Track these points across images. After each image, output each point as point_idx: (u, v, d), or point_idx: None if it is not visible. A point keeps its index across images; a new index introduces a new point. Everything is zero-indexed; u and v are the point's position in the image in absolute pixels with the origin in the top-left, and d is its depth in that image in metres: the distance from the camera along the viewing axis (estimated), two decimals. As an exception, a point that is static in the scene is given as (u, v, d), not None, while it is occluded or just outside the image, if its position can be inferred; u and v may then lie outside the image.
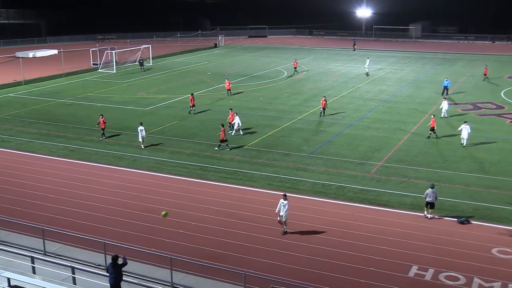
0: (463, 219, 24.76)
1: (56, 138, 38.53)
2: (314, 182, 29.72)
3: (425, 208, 25.35)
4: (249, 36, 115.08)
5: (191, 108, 45.47)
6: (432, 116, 38.39)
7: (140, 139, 36.19)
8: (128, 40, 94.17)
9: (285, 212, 23.40)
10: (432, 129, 37.85)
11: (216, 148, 35.58)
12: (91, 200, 27.23)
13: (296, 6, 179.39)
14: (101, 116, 38.45)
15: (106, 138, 38.15)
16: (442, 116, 43.11)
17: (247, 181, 29.87)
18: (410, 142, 37.14)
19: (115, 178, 30.46)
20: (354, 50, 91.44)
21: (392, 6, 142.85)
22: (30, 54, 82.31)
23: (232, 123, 39.19)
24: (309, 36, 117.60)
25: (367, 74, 64.76)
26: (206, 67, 72.28)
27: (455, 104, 49.10)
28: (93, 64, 72.77)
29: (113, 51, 70.69)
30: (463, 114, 44.89)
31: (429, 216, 25.17)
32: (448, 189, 28.43)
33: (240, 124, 38.92)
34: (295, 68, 66.58)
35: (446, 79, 54.22)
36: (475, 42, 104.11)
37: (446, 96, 48.32)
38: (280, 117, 44.11)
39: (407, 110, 47.08)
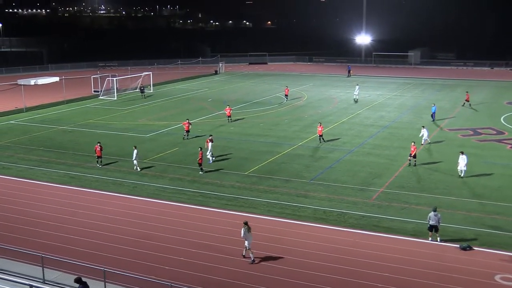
0: (465, 245, 24.61)
1: (57, 165, 38.55)
2: (315, 209, 29.62)
3: (430, 233, 25.21)
4: (250, 63, 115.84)
5: (185, 134, 45.72)
6: (412, 143, 38.09)
7: (135, 162, 36.90)
8: (129, 68, 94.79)
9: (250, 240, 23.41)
10: (413, 156, 37.44)
11: (200, 173, 36.03)
12: (92, 227, 27.11)
13: (296, 33, 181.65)
14: (98, 144, 38.41)
15: (104, 165, 38.16)
16: (422, 143, 42.96)
17: (247, 208, 29.78)
18: (411, 168, 37.11)
19: (116, 205, 30.38)
20: (349, 76, 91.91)
21: (391, 33, 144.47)
22: (32, 82, 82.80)
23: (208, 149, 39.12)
24: (309, 63, 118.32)
25: (355, 101, 64.77)
26: (206, 94, 72.65)
27: (456, 130, 49.22)
28: (94, 91, 73.17)
29: (114, 78, 71.13)
30: (464, 141, 44.93)
31: (438, 239, 25.05)
32: (450, 215, 28.30)
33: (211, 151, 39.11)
34: (286, 95, 66.33)
35: (433, 105, 54.57)
36: (474, 68, 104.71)
37: (423, 125, 47.78)
38: (280, 143, 44.18)
39: (408, 136, 47.12)
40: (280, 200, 30.84)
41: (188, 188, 33.24)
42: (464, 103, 61.13)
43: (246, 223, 23.49)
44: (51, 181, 34.87)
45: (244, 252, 23.86)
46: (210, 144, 39.15)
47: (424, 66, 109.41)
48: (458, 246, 24.73)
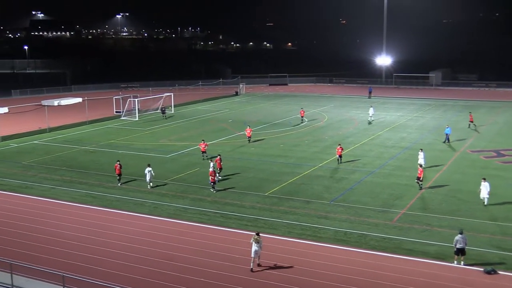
0: (490, 269, 24.18)
1: (79, 184, 38.96)
2: (336, 230, 29.43)
3: (456, 257, 24.84)
4: (270, 84, 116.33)
5: (203, 155, 46.00)
6: (419, 166, 37.78)
7: (148, 180, 37.48)
8: (150, 89, 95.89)
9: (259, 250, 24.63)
10: (418, 179, 36.76)
11: (212, 190, 36.55)
12: (113, 247, 27.26)
13: (316, 55, 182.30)
14: (117, 162, 39.18)
15: (124, 183, 38.70)
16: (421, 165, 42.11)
17: (267, 229, 29.69)
18: (433, 189, 36.73)
19: (136, 225, 30.54)
20: (369, 98, 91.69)
21: (412, 54, 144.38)
22: (55, 102, 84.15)
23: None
24: (329, 84, 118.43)
25: (369, 123, 64.39)
26: (227, 115, 73.05)
27: (478, 151, 48.69)
28: (116, 112, 74.05)
29: (136, 99, 71.98)
30: (488, 162, 44.40)
31: (462, 263, 24.67)
32: (473, 238, 27.85)
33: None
34: (302, 117, 66.27)
35: (447, 126, 54.00)
36: (497, 89, 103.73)
37: (421, 148, 46.59)
38: (300, 164, 44.11)
39: (429, 157, 46.65)
40: (300, 221, 30.71)
41: (208, 208, 33.30)
42: (470, 125, 60.41)
43: (257, 234, 24.90)
44: (73, 200, 35.22)
45: (254, 264, 24.75)
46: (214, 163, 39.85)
47: (446, 87, 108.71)
48: (482, 269, 24.32)
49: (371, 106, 68.91)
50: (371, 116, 66.15)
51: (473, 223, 30.22)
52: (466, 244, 24.63)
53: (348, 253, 26.44)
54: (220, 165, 40.68)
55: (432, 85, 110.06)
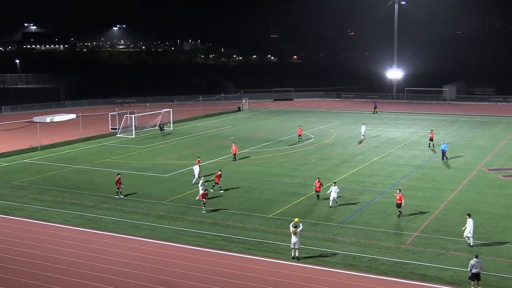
0: (509, 296, 23.94)
1: (72, 206, 38.95)
2: (345, 254, 29.29)
3: (472, 283, 24.64)
4: (274, 99, 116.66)
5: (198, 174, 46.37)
6: (398, 190, 35.87)
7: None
8: (148, 104, 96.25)
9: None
10: (398, 205, 35.39)
11: (203, 211, 36.54)
12: (107, 272, 27.17)
13: (323, 68, 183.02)
14: (118, 175, 40.87)
15: (123, 196, 40.12)
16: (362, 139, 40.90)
17: (272, 253, 29.58)
18: (448, 210, 36.59)
19: (133, 249, 30.46)
20: (375, 113, 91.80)
21: (424, 67, 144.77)
22: (48, 119, 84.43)
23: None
24: (337, 99, 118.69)
25: (360, 141, 63.84)
26: (229, 132, 73.19)
27: (496, 170, 48.54)
28: (111, 128, 74.24)
29: (133, 115, 72.14)
30: (506, 181, 44.25)
31: None
32: (493, 262, 27.68)
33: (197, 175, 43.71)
34: (299, 135, 65.03)
35: (443, 142, 53.86)
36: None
37: (444, 158, 45.94)
38: (307, 184, 44.03)
39: (443, 176, 46.65)
40: (307, 244, 30.57)
41: (208, 231, 33.21)
42: (429, 144, 59.62)
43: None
44: (65, 223, 35.18)
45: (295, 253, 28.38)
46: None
47: (460, 102, 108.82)
48: (501, 296, 24.12)
49: (364, 124, 67.76)
50: (363, 135, 65.56)
51: (492, 247, 30.03)
52: (481, 269, 24.45)
53: (358, 279, 26.28)
54: (218, 180, 41.59)
55: (446, 100, 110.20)
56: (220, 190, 41.60)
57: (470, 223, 30.12)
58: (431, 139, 59.84)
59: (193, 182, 44.09)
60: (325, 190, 39.57)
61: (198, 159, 47.63)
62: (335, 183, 38.08)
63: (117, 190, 40.69)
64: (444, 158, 52.59)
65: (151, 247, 30.67)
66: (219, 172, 42.50)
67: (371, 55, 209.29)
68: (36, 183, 45.58)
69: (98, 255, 29.44)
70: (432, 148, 58.84)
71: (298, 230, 28.66)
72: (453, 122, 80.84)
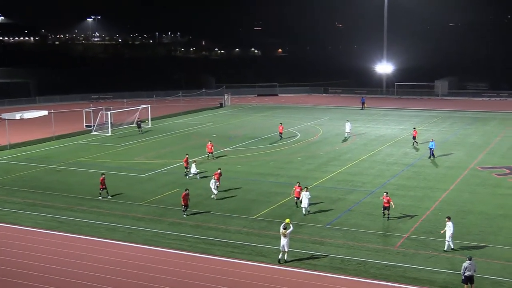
0: (503, 299, 24.20)
1: (44, 208, 38.65)
2: (332, 257, 29.41)
3: (465, 286, 24.85)
4: (258, 95, 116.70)
5: (186, 171, 46.73)
6: (385, 193, 36.05)
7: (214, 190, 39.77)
8: (125, 100, 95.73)
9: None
10: (385, 208, 35.48)
11: (185, 216, 36.26)
12: (82, 278, 27.02)
13: (309, 62, 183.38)
14: (102, 175, 40.97)
15: (111, 197, 40.34)
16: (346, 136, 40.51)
17: (256, 256, 29.62)
18: (440, 211, 36.89)
19: (109, 253, 30.33)
20: (362, 109, 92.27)
21: (415, 61, 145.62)
22: (17, 116, 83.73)
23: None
24: (324, 94, 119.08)
25: (345, 139, 64.16)
26: (210, 129, 73.10)
27: (490, 168, 49.03)
28: (86, 126, 73.82)
29: (109, 112, 71.76)
30: (500, 180, 44.72)
31: None
32: (486, 264, 27.97)
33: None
34: (280, 133, 64.69)
35: (431, 140, 54.28)
36: (509, 99, 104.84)
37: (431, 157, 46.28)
38: (293, 183, 44.02)
39: (435, 175, 47.02)
40: (292, 247, 30.62)
41: (189, 233, 33.17)
42: (414, 143, 59.79)
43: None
44: (37, 226, 34.91)
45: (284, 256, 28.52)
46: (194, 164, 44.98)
47: (453, 98, 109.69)
48: (495, 300, 24.38)
49: (348, 121, 67.65)
50: (348, 132, 65.47)
51: (485, 248, 30.34)
52: (475, 271, 24.69)
53: (346, 283, 26.41)
54: (218, 179, 41.22)
55: (437, 95, 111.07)
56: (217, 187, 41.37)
57: (449, 227, 29.91)
58: (414, 138, 59.98)
59: (188, 176, 46.30)
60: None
61: (187, 156, 47.69)
62: (306, 188, 37.15)
63: (100, 191, 40.48)
64: (431, 156, 52.88)
65: (128, 251, 30.55)
66: (219, 171, 42.48)
67: (359, 48, 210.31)
68: (5, 184, 45.15)
69: (72, 260, 29.25)
70: (415, 146, 59.09)
71: (288, 231, 28.75)
72: (445, 119, 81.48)
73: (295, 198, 38.20)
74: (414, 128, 62.13)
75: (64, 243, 31.82)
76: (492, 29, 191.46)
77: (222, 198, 40.00)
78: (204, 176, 46.31)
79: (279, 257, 28.83)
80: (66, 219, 36.26)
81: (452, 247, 30.01)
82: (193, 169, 46.18)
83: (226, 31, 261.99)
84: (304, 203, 36.32)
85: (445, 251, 29.89)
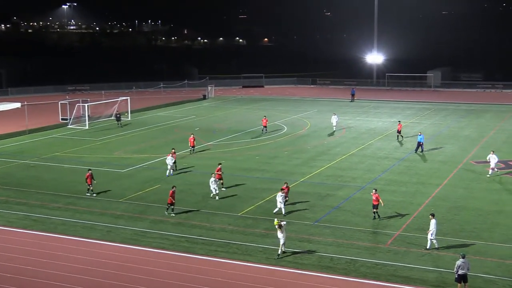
0: (498, 298, 24.36)
1: (16, 205, 38.37)
2: (321, 255, 29.48)
3: (458, 285, 25.01)
4: (243, 86, 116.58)
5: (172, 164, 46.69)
6: (374, 190, 35.66)
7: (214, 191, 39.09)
8: (103, 92, 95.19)
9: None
10: (374, 206, 35.18)
11: (168, 213, 36.01)
12: (57, 279, 26.88)
13: (297, 52, 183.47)
14: (89, 171, 40.55)
15: (95, 194, 40.02)
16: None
17: (241, 255, 29.62)
18: (432, 207, 37.03)
19: (86, 252, 30.17)
20: (352, 101, 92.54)
21: (407, 51, 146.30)
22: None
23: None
24: (312, 86, 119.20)
25: (332, 134, 63.98)
26: (193, 122, 72.93)
27: (484, 162, 49.36)
28: (62, 119, 73.31)
29: (86, 104, 71.41)
30: (495, 175, 45.05)
31: None
32: (480, 262, 28.17)
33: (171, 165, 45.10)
34: (265, 126, 64.35)
35: (419, 133, 54.51)
36: (504, 91, 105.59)
37: (419, 151, 46.76)
38: (279, 179, 44.13)
39: (427, 170, 47.27)
40: (279, 245, 30.68)
41: (171, 232, 33.09)
42: (398, 136, 59.85)
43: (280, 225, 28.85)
44: (8, 224, 34.64)
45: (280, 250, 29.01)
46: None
47: (446, 89, 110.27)
48: (489, 299, 24.56)
49: (335, 114, 67.41)
50: (335, 126, 65.35)
51: (479, 246, 30.54)
52: (469, 270, 24.85)
53: (335, 282, 26.49)
54: (220, 175, 41.16)
55: (430, 87, 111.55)
56: (223, 187, 41.33)
57: (433, 224, 29.78)
58: (399, 131, 59.90)
59: (167, 174, 45.26)
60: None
61: (173, 150, 47.51)
62: (282, 189, 36.69)
63: (88, 187, 40.27)
64: (419, 150, 53.09)
65: (107, 251, 30.42)
66: (219, 166, 42.24)
67: (349, 37, 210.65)
68: (-24, 181, 44.81)
69: (47, 261, 29.08)
70: (399, 140, 59.21)
71: (283, 223, 29.71)
72: (438, 111, 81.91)
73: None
74: (399, 122, 61.95)
75: (38, 243, 31.61)
76: (486, 18, 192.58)
77: (206, 195, 39.91)
78: (182, 172, 46.24)
79: (278, 252, 29.26)
80: (40, 217, 36.01)
81: (437, 246, 29.99)
82: (169, 160, 45.49)
83: (210, 19, 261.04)
84: (279, 203, 35.80)
85: (427, 249, 29.94)
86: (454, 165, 48.67)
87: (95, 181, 40.58)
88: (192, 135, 54.42)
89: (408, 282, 26.33)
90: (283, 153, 53.83)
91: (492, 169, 44.34)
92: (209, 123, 72.26)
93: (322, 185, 42.86)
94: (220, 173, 41.43)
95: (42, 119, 73.42)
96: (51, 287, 26.05)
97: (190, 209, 37.07)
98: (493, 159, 44.32)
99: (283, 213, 35.46)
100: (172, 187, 36.59)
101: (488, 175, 44.14)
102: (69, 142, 60.21)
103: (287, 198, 36.83)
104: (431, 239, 29.94)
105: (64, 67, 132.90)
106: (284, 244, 29.21)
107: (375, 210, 34.98)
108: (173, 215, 35.88)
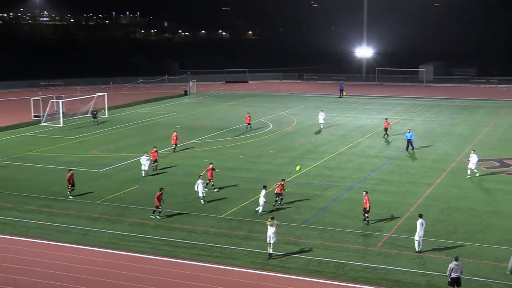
0: (493, 302, 24.55)
1: (-13, 208, 38.17)
2: (308, 259, 29.56)
3: (451, 288, 25.22)
4: (227, 82, 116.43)
5: (153, 164, 46.62)
6: (364, 192, 35.28)
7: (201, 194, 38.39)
8: (78, 87, 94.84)
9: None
10: (365, 210, 34.96)
11: (158, 217, 35.72)
12: (31, 286, 26.74)
13: (283, 45, 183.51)
14: (70, 171, 40.31)
15: (72, 197, 39.63)
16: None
17: (225, 259, 29.63)
18: (424, 207, 37.23)
19: (61, 257, 30.04)
20: (341, 97, 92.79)
21: (398, 45, 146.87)
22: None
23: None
24: (299, 81, 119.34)
25: (319, 132, 64.13)
26: (174, 120, 72.79)
27: (478, 161, 49.66)
28: (34, 116, 72.86)
29: (60, 101, 71.02)
30: (489, 174, 45.39)
31: None
32: (474, 265, 28.38)
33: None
34: (248, 124, 64.32)
35: (408, 130, 54.51)
36: (498, 86, 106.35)
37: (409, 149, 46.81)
38: (264, 178, 44.19)
39: (419, 168, 47.52)
40: (265, 248, 30.70)
41: (151, 235, 33.02)
42: (385, 135, 59.96)
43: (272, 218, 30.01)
44: (-21, 228, 34.47)
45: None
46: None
47: (438, 84, 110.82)
48: (483, 303, 24.75)
49: (322, 111, 67.27)
50: (322, 123, 65.32)
51: (473, 248, 30.76)
52: (462, 273, 25.03)
53: (324, 287, 26.57)
54: (211, 175, 41.16)
55: (422, 82, 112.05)
56: (214, 189, 41.28)
57: (418, 225, 29.90)
58: (385, 129, 59.95)
59: (144, 175, 45.04)
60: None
61: (155, 149, 47.49)
62: (265, 186, 36.85)
63: (69, 189, 39.97)
64: (409, 148, 53.28)
65: (83, 255, 30.29)
66: (211, 166, 41.96)
67: (337, 30, 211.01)
68: None
69: (19, 266, 28.91)
70: (386, 138, 59.36)
71: (275, 221, 30.22)
72: (430, 107, 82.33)
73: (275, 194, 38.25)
74: (386, 119, 61.98)
75: (9, 247, 31.42)
76: (480, 10, 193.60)
77: (189, 195, 39.87)
78: (162, 172, 46.20)
79: (270, 251, 29.69)
80: (11, 220, 35.79)
81: (421, 247, 30.06)
82: (144, 161, 44.98)
83: (191, 11, 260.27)
84: (261, 202, 36.16)
85: (418, 252, 30.09)
86: (447, 163, 48.95)
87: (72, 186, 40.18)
88: (174, 133, 54.38)
89: (400, 286, 26.47)
90: (268, 152, 53.88)
91: (470, 169, 44.35)
92: (190, 120, 72.15)
93: (309, 185, 42.96)
94: (211, 172, 41.29)
95: (13, 116, 72.96)
96: (24, 294, 25.94)
97: (171, 211, 37.00)
98: (473, 158, 44.07)
99: (260, 212, 35.94)
100: (160, 189, 36.31)
101: (468, 176, 44.20)
102: (43, 141, 59.87)
103: (282, 196, 37.78)
104: (418, 241, 30.00)
105: (37, 61, 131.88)
106: (274, 243, 29.55)
107: (366, 214, 34.61)
108: (159, 218, 35.74)
